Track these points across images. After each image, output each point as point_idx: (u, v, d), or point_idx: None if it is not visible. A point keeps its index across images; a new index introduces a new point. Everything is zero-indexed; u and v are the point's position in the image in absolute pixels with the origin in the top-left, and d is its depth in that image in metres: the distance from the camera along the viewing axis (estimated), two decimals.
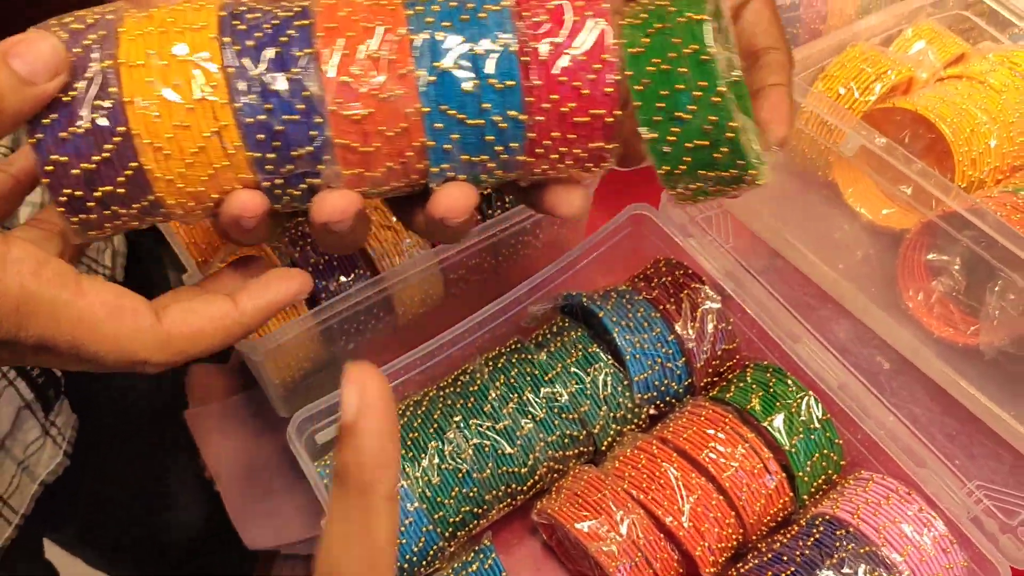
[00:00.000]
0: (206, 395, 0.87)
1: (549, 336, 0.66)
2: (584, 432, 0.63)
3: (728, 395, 0.64)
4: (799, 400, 0.62)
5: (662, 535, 0.58)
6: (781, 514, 0.61)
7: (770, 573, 0.56)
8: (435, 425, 0.60)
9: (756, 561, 0.58)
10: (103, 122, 0.36)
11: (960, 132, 0.70)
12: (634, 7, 0.43)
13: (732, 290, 0.67)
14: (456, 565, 0.58)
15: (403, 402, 0.63)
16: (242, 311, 0.40)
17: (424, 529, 0.57)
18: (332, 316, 0.63)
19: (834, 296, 0.72)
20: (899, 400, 0.66)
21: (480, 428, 0.60)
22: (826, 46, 0.74)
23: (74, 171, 0.36)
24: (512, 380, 0.62)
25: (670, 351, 0.65)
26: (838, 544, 0.57)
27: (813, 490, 0.62)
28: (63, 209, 0.37)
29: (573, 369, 0.63)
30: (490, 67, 0.38)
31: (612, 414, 0.63)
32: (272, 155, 0.38)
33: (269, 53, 0.37)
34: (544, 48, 0.38)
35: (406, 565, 0.57)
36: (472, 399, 0.61)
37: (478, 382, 0.62)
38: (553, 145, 0.40)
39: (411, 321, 0.72)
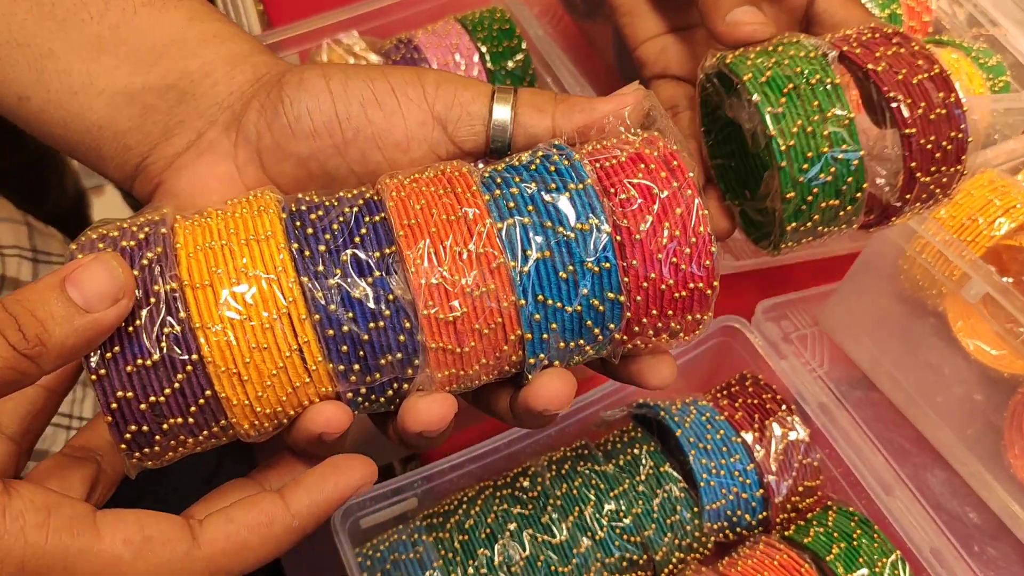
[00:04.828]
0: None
1: (619, 446, 0.62)
2: (645, 557, 0.58)
3: (807, 539, 0.59)
4: (885, 559, 0.57)
5: None
6: None
7: None
8: (487, 530, 0.56)
9: None
10: (173, 352, 0.33)
11: None
12: (744, 58, 0.44)
13: (823, 424, 0.62)
14: None
15: (458, 494, 0.59)
16: (294, 512, 0.35)
17: None
18: None
19: (931, 440, 0.66)
20: (995, 571, 0.60)
21: (535, 540, 0.56)
22: None
23: (141, 406, 0.33)
24: (575, 492, 0.58)
25: (748, 481, 0.60)
26: None
27: None
28: (126, 446, 0.34)
29: (641, 488, 0.59)
30: (584, 250, 0.35)
31: (677, 541, 0.59)
32: (357, 366, 0.35)
33: (344, 256, 0.35)
34: (638, 226, 0.36)
35: None
36: (530, 506, 0.57)
37: (538, 487, 0.58)
38: (650, 322, 0.37)
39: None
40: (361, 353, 0.35)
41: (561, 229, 0.35)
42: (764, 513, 0.61)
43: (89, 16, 0.41)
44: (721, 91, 0.46)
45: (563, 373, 0.37)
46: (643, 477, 0.59)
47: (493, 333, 0.35)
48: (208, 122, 0.42)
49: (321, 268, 0.34)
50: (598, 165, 0.37)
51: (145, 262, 0.34)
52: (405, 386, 0.36)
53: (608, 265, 0.35)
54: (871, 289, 0.70)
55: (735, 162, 0.51)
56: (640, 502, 0.58)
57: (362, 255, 0.35)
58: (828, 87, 0.42)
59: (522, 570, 0.55)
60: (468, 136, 0.40)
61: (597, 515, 0.57)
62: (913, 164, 0.42)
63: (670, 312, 0.37)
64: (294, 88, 0.40)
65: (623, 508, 0.58)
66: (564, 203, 0.35)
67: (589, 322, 0.36)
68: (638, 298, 0.36)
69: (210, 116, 0.42)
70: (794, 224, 0.43)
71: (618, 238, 0.36)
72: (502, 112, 0.40)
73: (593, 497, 0.58)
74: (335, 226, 0.35)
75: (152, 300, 0.33)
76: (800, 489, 0.61)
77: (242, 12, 0.91)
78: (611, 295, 0.36)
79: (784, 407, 0.62)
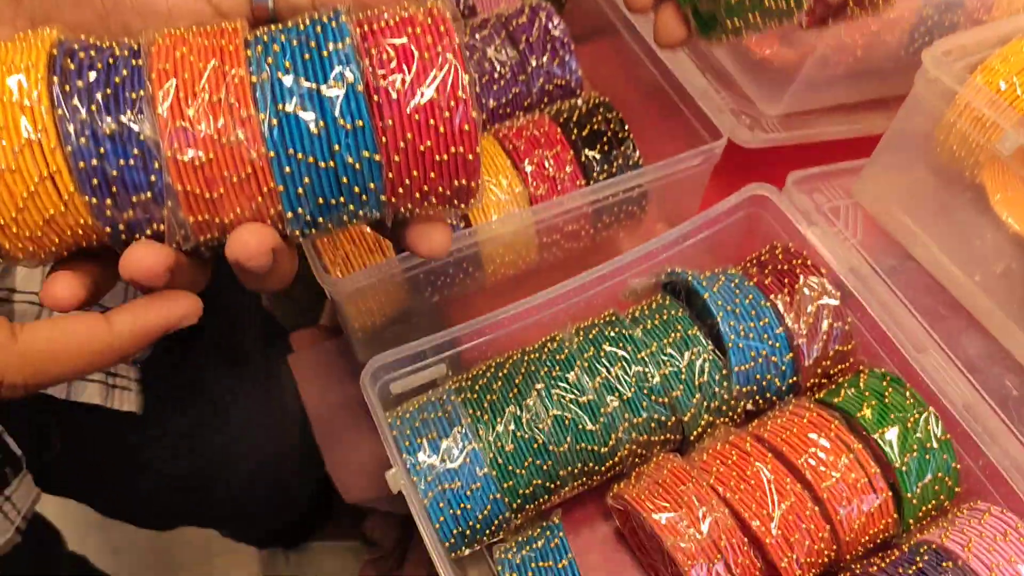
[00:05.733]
0: (305, 346, 0.86)
1: (647, 313, 0.61)
2: (673, 418, 0.58)
3: (837, 399, 0.58)
4: (917, 415, 0.56)
5: (746, 539, 0.53)
6: (881, 535, 0.56)
7: None
8: (515, 390, 0.56)
9: None
10: None
11: None
12: None
13: (854, 287, 0.61)
14: (521, 539, 0.55)
15: (485, 363, 0.60)
16: (116, 333, 0.37)
17: (491, 497, 0.54)
18: (419, 265, 0.61)
19: (968, 307, 0.65)
20: None
21: (563, 399, 0.56)
22: (989, 35, 0.67)
23: None
24: (602, 353, 0.58)
25: (777, 344, 0.60)
26: None
27: (921, 515, 0.56)
28: None
29: (669, 351, 0.58)
30: (337, 107, 0.36)
31: (706, 403, 0.59)
32: (109, 200, 0.36)
33: (101, 94, 0.35)
34: (394, 86, 0.36)
35: (468, 531, 0.54)
36: (557, 367, 0.58)
37: (566, 351, 0.58)
38: (414, 184, 0.38)
39: (500, 281, 0.69)
40: (113, 189, 0.36)
41: (314, 85, 0.36)
42: (794, 378, 0.61)
43: None
44: None
45: (258, 227, 0.37)
46: (671, 340, 0.59)
47: (245, 183, 0.36)
48: None
49: (76, 103, 0.35)
50: (365, 27, 0.37)
51: None
52: (162, 227, 0.37)
53: (361, 123, 0.36)
54: (905, 161, 0.69)
55: None
56: (668, 364, 0.58)
57: (119, 95, 0.35)
58: None
59: (549, 428, 0.55)
60: (232, 7, 0.41)
61: (625, 376, 0.57)
62: None
63: (432, 175, 0.38)
64: None
65: (651, 370, 0.58)
66: (321, 61, 0.36)
67: (345, 179, 0.37)
68: (396, 158, 0.37)
69: None
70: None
71: (376, 98, 0.36)
72: None
73: (621, 359, 0.58)
74: (100, 65, 0.36)
75: None
76: (831, 353, 0.61)
77: None
78: (366, 153, 0.36)
79: (815, 272, 0.62)
